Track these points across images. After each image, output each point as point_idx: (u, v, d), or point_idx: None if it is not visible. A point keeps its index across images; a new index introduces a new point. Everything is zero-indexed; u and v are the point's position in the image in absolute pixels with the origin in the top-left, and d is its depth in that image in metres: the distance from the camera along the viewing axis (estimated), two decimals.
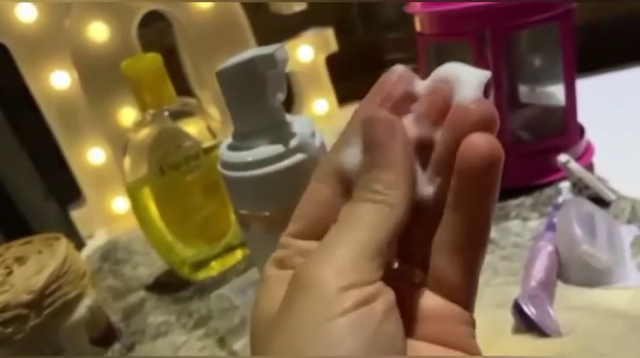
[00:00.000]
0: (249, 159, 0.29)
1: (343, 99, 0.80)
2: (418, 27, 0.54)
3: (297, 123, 0.30)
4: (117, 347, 0.46)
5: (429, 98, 0.17)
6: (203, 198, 0.50)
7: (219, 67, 0.28)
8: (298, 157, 0.29)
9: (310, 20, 0.77)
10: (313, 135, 0.30)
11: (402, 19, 0.64)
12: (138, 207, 0.50)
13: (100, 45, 0.61)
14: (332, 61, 0.78)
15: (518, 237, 0.46)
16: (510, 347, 0.34)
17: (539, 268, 0.39)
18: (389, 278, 0.16)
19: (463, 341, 0.17)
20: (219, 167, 0.31)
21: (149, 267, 0.57)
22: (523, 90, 0.61)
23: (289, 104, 0.79)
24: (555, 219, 0.43)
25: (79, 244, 0.66)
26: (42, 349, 0.42)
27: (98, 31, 0.60)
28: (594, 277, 0.38)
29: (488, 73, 0.17)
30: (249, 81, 0.28)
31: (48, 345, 0.42)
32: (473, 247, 0.17)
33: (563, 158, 0.48)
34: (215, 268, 0.53)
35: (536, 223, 0.47)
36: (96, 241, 0.67)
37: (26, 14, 0.61)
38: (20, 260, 0.45)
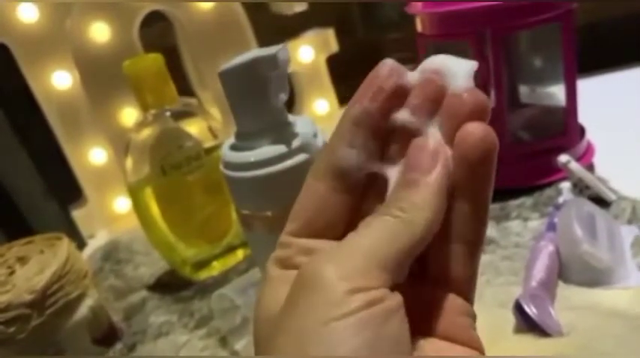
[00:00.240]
0: (252, 159, 0.29)
1: (344, 99, 0.80)
2: (419, 27, 0.54)
3: (300, 123, 0.30)
4: (118, 346, 0.46)
5: (423, 90, 0.17)
6: (204, 198, 0.50)
7: (221, 68, 0.28)
8: (301, 157, 0.29)
9: (311, 21, 0.77)
10: (315, 135, 0.30)
11: (402, 20, 0.64)
12: (139, 207, 0.50)
13: (102, 45, 0.61)
14: (332, 62, 0.78)
15: (519, 237, 0.46)
16: (511, 347, 0.34)
17: (540, 268, 0.39)
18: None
19: (465, 333, 0.17)
20: (221, 167, 0.31)
21: (150, 266, 0.57)
22: (523, 90, 0.61)
23: (290, 104, 0.79)
24: (556, 219, 0.43)
25: (81, 244, 0.66)
26: (44, 349, 0.42)
27: (100, 32, 0.60)
28: (595, 277, 0.39)
29: (475, 63, 0.18)
30: (252, 81, 0.28)
31: (50, 345, 0.42)
32: (472, 236, 0.17)
33: (563, 158, 0.48)
34: (216, 268, 0.53)
35: (536, 223, 0.47)
36: (97, 241, 0.67)
37: (27, 14, 0.61)
38: (22, 260, 0.45)
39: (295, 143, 0.29)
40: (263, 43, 0.59)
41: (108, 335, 0.46)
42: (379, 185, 0.18)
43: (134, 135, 0.49)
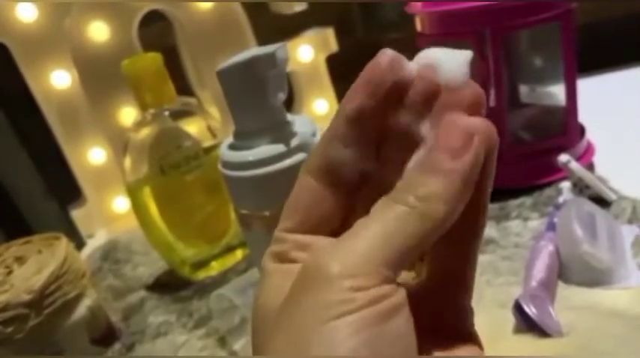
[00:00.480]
0: (250, 158, 0.29)
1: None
2: (419, 27, 0.54)
3: (298, 122, 0.30)
4: (117, 346, 0.46)
5: (422, 86, 0.16)
6: (203, 198, 0.50)
7: (219, 67, 0.28)
8: (299, 157, 0.29)
9: (310, 20, 0.77)
10: (314, 134, 0.30)
11: (402, 20, 0.64)
12: (138, 207, 0.50)
13: (101, 44, 0.61)
14: (332, 61, 0.78)
15: (518, 236, 0.46)
16: (511, 347, 0.34)
17: (540, 268, 0.39)
18: None
19: (463, 328, 0.17)
20: (219, 167, 0.31)
21: (149, 266, 0.57)
22: (524, 90, 0.61)
23: (289, 104, 0.79)
24: (556, 219, 0.43)
25: (80, 244, 0.66)
26: (42, 349, 0.42)
27: (99, 31, 0.60)
28: (595, 277, 0.38)
29: (470, 53, 0.17)
30: (250, 80, 0.28)
31: (48, 345, 0.42)
32: (472, 232, 0.17)
33: (563, 158, 0.48)
34: (215, 268, 0.53)
35: (536, 223, 0.47)
36: (96, 241, 0.67)
37: (26, 14, 0.61)
38: (20, 259, 0.45)
39: (294, 142, 0.29)
40: (263, 42, 0.59)
41: (106, 335, 0.46)
42: (374, 180, 0.17)
43: (133, 134, 0.49)
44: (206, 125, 0.51)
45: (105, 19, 0.60)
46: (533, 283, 0.38)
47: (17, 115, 0.65)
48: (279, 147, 0.29)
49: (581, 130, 0.55)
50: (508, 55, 0.54)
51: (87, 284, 0.45)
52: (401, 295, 0.15)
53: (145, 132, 0.48)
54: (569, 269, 0.40)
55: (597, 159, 0.54)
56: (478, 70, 0.50)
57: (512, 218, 0.48)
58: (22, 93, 0.64)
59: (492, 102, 0.51)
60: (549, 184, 0.51)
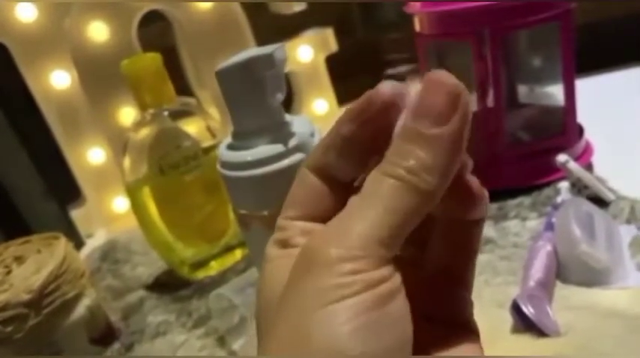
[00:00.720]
0: (249, 158, 0.29)
1: (343, 99, 0.80)
2: (417, 27, 0.54)
3: (297, 122, 0.30)
4: (116, 346, 0.46)
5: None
6: (203, 198, 0.50)
7: (218, 67, 0.28)
8: (298, 157, 0.29)
9: (310, 20, 0.77)
10: (312, 134, 0.30)
11: (401, 20, 0.64)
12: (137, 207, 0.50)
13: (100, 44, 0.61)
14: (332, 61, 0.78)
15: (517, 236, 0.46)
16: (509, 347, 0.34)
17: (538, 268, 0.39)
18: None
19: (462, 316, 0.17)
20: (218, 167, 0.31)
21: (149, 266, 0.57)
22: (522, 90, 0.61)
23: (288, 104, 0.79)
24: (554, 219, 0.43)
25: (79, 244, 0.66)
26: (41, 348, 0.42)
27: (98, 31, 0.60)
28: (593, 277, 0.39)
29: None
30: (248, 81, 0.28)
31: (47, 345, 0.42)
32: (473, 235, 0.17)
33: (562, 158, 0.48)
34: (214, 268, 0.53)
35: (535, 223, 0.47)
36: (95, 241, 0.67)
37: (26, 14, 0.61)
38: (19, 259, 0.45)
39: (292, 142, 0.29)
40: (262, 42, 0.59)
41: (105, 335, 0.46)
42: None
43: (132, 134, 0.49)
44: (205, 125, 0.51)
45: (104, 19, 0.60)
46: (531, 283, 0.38)
47: (17, 115, 0.65)
48: (278, 148, 0.29)
49: (580, 130, 0.55)
50: (507, 55, 0.54)
51: (86, 284, 0.45)
52: (397, 279, 0.15)
53: (145, 132, 0.48)
54: (567, 269, 0.40)
55: (596, 160, 0.54)
56: (477, 70, 0.50)
57: (510, 218, 0.48)
58: (22, 93, 0.64)
59: (491, 103, 0.51)
60: (548, 184, 0.51)
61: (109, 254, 0.62)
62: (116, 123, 0.63)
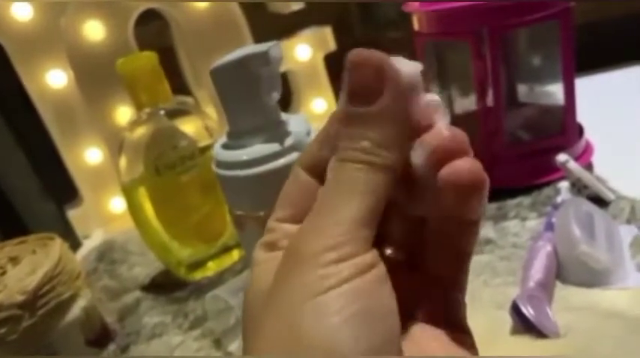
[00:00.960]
0: (244, 157, 0.29)
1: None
2: (416, 26, 0.54)
3: (293, 121, 0.30)
4: (112, 348, 0.46)
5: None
6: (199, 198, 0.50)
7: (212, 65, 0.28)
8: (293, 156, 0.29)
9: (308, 19, 0.77)
10: (308, 133, 0.30)
11: (400, 19, 0.64)
12: (133, 207, 0.50)
13: (96, 43, 0.60)
14: (330, 60, 0.78)
15: (516, 237, 0.45)
16: (508, 348, 0.34)
17: (538, 268, 0.38)
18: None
19: (453, 318, 0.17)
20: (213, 166, 0.30)
21: (145, 267, 0.57)
22: (522, 89, 0.60)
23: (287, 103, 0.78)
24: (554, 219, 0.42)
25: (76, 244, 0.65)
26: (36, 350, 0.41)
27: (94, 30, 0.60)
28: (593, 277, 0.38)
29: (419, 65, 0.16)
30: (243, 79, 0.28)
31: (42, 346, 0.41)
32: (465, 246, 0.17)
33: (562, 157, 0.48)
34: (211, 268, 0.52)
35: (534, 223, 0.46)
36: (92, 241, 0.66)
37: (22, 13, 0.61)
38: (14, 260, 0.45)
39: (288, 141, 0.29)
40: (260, 41, 0.59)
41: (101, 337, 0.46)
42: None
43: (128, 134, 0.48)
44: (202, 124, 0.51)
45: (100, 18, 0.60)
46: (531, 284, 0.37)
47: (13, 115, 0.64)
48: (274, 147, 0.29)
49: (580, 130, 0.55)
50: (506, 54, 0.53)
51: (81, 285, 0.45)
52: (384, 267, 0.14)
53: (141, 131, 0.48)
54: (566, 270, 0.39)
55: (596, 159, 0.53)
56: (476, 69, 0.50)
57: (510, 218, 0.48)
58: (18, 92, 0.64)
59: (490, 102, 0.51)
60: (547, 184, 0.51)
61: (106, 254, 0.61)
62: (113, 123, 0.63)
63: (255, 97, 0.28)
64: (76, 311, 0.43)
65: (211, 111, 0.66)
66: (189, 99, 0.66)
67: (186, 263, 0.52)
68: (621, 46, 0.75)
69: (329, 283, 0.13)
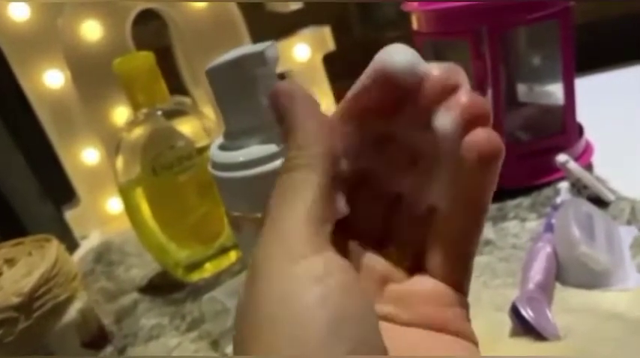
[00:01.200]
0: (241, 159, 0.28)
1: (340, 98, 0.79)
2: (415, 25, 0.53)
3: None
4: (108, 350, 0.46)
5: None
6: (197, 199, 0.50)
7: (208, 66, 0.28)
8: None
9: (307, 19, 0.76)
10: None
11: (399, 18, 0.63)
12: (130, 208, 0.49)
13: (94, 44, 0.60)
14: (329, 60, 0.77)
15: (516, 238, 0.45)
16: (508, 350, 0.34)
17: (537, 270, 0.38)
18: (379, 261, 0.17)
19: (457, 323, 0.17)
20: (209, 168, 0.30)
21: (143, 268, 0.57)
22: (521, 89, 0.60)
23: None
24: (554, 220, 0.42)
25: (73, 245, 0.65)
26: (32, 352, 0.41)
27: (91, 30, 0.60)
28: (593, 279, 0.38)
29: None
30: (239, 79, 0.27)
31: (38, 348, 0.41)
32: (471, 235, 0.17)
33: (561, 158, 0.48)
34: (209, 270, 0.52)
35: (534, 224, 0.46)
36: (90, 242, 0.66)
37: (19, 13, 0.60)
38: (10, 261, 0.45)
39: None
40: (258, 41, 0.58)
41: (97, 339, 0.45)
42: (375, 180, 0.18)
43: (125, 134, 0.48)
44: (200, 124, 0.51)
45: (98, 18, 0.59)
46: (530, 285, 0.37)
47: (10, 115, 0.64)
48: (271, 148, 0.28)
49: (580, 130, 0.55)
50: (506, 53, 0.53)
51: (78, 287, 0.45)
52: (346, 267, 0.15)
53: (138, 132, 0.47)
54: (566, 271, 0.39)
55: (596, 160, 0.53)
56: (475, 69, 0.49)
57: (509, 219, 0.48)
58: (15, 92, 0.63)
59: (489, 102, 0.50)
60: (547, 184, 0.50)
61: (103, 255, 0.61)
62: (110, 123, 0.63)
63: (251, 98, 0.28)
64: (72, 313, 0.43)
65: (209, 111, 0.66)
66: (186, 100, 0.65)
67: (183, 264, 0.52)
68: (621, 46, 0.75)
69: (292, 291, 0.13)
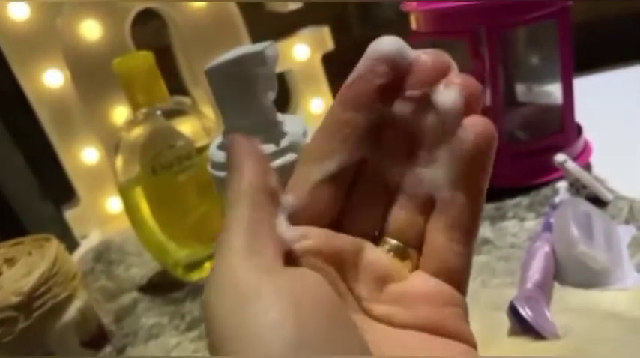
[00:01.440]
0: None
1: None
2: (414, 25, 0.54)
3: (288, 122, 0.30)
4: (108, 349, 0.46)
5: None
6: (196, 198, 0.50)
7: (207, 65, 0.28)
8: (289, 157, 0.28)
9: (306, 19, 0.76)
10: (305, 134, 0.30)
11: (398, 18, 0.63)
12: (130, 208, 0.50)
13: (93, 43, 0.60)
14: (328, 60, 0.77)
15: (514, 237, 0.45)
16: (506, 349, 0.34)
17: (536, 269, 0.38)
18: (379, 259, 0.17)
19: (455, 323, 0.17)
20: (208, 167, 0.30)
21: (142, 267, 0.57)
22: (520, 88, 0.60)
23: (285, 103, 0.78)
24: (552, 220, 0.42)
25: (73, 244, 0.65)
26: (31, 352, 0.41)
27: (91, 30, 0.60)
28: (591, 278, 0.38)
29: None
30: (239, 79, 0.28)
31: (37, 348, 0.41)
32: (470, 224, 0.17)
33: (560, 157, 0.48)
34: (209, 269, 0.52)
35: (532, 223, 0.46)
36: (90, 241, 0.66)
37: (18, 13, 0.60)
38: (10, 261, 0.45)
39: (284, 142, 0.28)
40: (257, 41, 0.58)
41: (97, 338, 0.46)
42: (371, 173, 0.18)
43: (124, 134, 0.48)
44: (199, 124, 0.51)
45: (97, 17, 0.60)
46: (529, 284, 0.37)
47: (10, 115, 0.64)
48: (269, 147, 0.28)
49: (578, 129, 0.55)
50: (504, 53, 0.53)
51: (77, 286, 0.45)
52: (299, 271, 0.15)
53: (137, 131, 0.47)
54: (565, 270, 0.39)
55: (594, 159, 0.53)
56: (474, 69, 0.50)
57: (508, 218, 0.48)
58: (15, 92, 0.63)
59: (488, 101, 0.50)
60: (546, 184, 0.51)
61: (103, 255, 0.61)
62: (109, 123, 0.63)
63: (250, 97, 0.28)
64: (71, 312, 0.43)
65: (209, 111, 0.66)
66: (186, 99, 0.65)
67: (183, 263, 0.52)
68: (620, 46, 0.75)
69: (247, 298, 0.14)
